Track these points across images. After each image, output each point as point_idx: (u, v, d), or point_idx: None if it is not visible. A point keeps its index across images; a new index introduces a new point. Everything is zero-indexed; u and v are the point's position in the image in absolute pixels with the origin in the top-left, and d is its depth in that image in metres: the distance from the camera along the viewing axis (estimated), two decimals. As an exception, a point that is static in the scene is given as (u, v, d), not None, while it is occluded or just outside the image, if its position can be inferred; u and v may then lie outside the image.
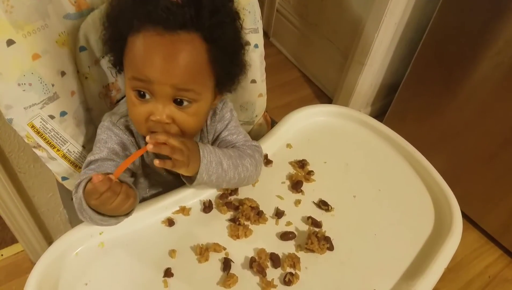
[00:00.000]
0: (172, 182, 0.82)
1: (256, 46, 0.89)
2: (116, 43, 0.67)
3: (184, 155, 0.63)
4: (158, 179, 0.83)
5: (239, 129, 0.83)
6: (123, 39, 0.65)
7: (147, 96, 0.65)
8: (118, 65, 0.71)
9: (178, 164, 0.63)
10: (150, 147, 0.60)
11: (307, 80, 2.32)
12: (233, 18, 0.67)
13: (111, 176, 0.58)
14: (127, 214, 0.66)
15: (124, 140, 0.75)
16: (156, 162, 0.61)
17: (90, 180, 0.59)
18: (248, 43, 0.74)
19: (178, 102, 0.65)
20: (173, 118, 0.66)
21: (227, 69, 0.68)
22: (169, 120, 0.66)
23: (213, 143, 0.82)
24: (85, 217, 0.66)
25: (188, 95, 0.65)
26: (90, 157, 0.72)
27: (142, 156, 0.77)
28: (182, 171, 0.66)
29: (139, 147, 0.76)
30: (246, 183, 0.80)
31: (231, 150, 0.76)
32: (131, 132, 0.76)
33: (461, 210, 0.80)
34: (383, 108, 1.98)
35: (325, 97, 2.23)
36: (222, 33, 0.64)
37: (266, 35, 2.50)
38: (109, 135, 0.74)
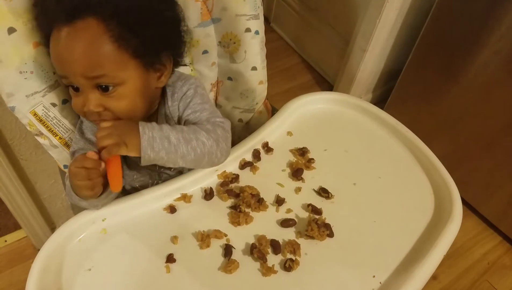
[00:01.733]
0: (151, 167, 0.83)
1: (256, 32, 0.88)
2: (47, 44, 0.66)
3: (112, 137, 0.61)
4: (138, 167, 0.83)
5: (205, 106, 0.77)
6: (48, 38, 0.65)
7: (80, 89, 0.65)
8: None
9: (111, 148, 0.61)
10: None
11: (308, 66, 2.31)
12: None
13: (103, 163, 0.61)
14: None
15: (95, 130, 0.76)
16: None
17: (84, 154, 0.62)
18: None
19: (104, 89, 0.64)
20: (103, 106, 0.66)
21: (142, 41, 0.65)
22: (99, 108, 0.65)
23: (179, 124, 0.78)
24: (74, 200, 0.69)
25: (104, 80, 0.64)
26: (71, 148, 0.76)
27: None
28: (124, 152, 0.63)
29: None
30: (208, 161, 0.71)
31: (185, 126, 0.71)
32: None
33: (460, 196, 0.81)
34: (384, 95, 1.97)
35: (326, 84, 2.22)
36: (116, 8, 0.62)
37: (266, 20, 2.47)
38: (86, 125, 0.76)
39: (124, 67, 0.65)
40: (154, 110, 0.78)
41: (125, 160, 0.81)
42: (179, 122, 0.79)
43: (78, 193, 0.66)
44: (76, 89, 0.66)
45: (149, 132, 0.64)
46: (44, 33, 0.66)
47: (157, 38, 0.67)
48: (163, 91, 0.78)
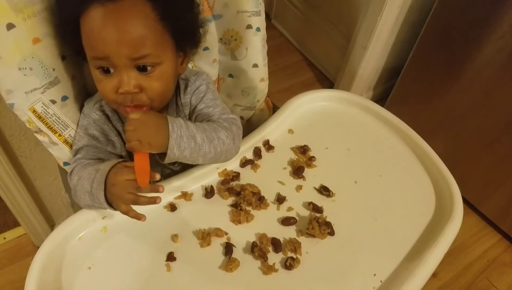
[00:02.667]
0: (157, 161, 0.82)
1: (258, 29, 0.88)
2: (71, 28, 0.65)
3: (137, 134, 0.61)
4: None
5: (217, 102, 0.79)
6: (76, 22, 0.64)
7: (111, 71, 0.65)
8: (81, 51, 0.68)
9: (134, 145, 0.61)
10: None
11: (309, 64, 2.30)
12: None
13: (160, 188, 0.62)
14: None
15: (101, 124, 0.76)
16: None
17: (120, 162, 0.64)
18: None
19: (141, 69, 0.65)
20: (140, 86, 0.66)
21: (180, 23, 0.67)
22: (136, 89, 0.65)
23: (189, 117, 0.80)
24: (79, 198, 0.69)
25: (147, 60, 0.64)
26: (74, 146, 0.75)
27: (122, 139, 0.78)
28: (147, 150, 0.62)
29: (116, 130, 0.77)
30: (224, 158, 0.74)
31: (205, 123, 0.73)
32: (107, 116, 0.77)
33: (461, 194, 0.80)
34: (385, 92, 1.97)
35: (327, 81, 2.22)
36: None
37: (268, 17, 2.47)
38: (89, 121, 0.76)
39: (165, 48, 0.67)
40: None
41: (130, 155, 0.80)
42: (190, 114, 0.80)
43: (115, 203, 0.64)
44: (107, 71, 0.65)
45: (177, 130, 0.64)
46: (67, 16, 0.64)
47: (190, 23, 0.70)
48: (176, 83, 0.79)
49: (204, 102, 0.78)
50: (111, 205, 0.65)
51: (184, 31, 0.69)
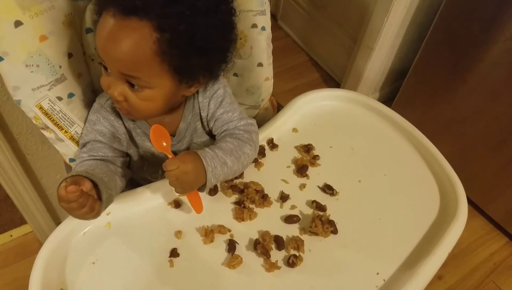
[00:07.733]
0: (166, 158, 0.83)
1: (263, 28, 0.88)
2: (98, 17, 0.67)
3: (179, 185, 0.68)
4: (151, 158, 0.84)
5: (234, 105, 0.82)
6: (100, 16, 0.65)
7: (109, 70, 0.66)
8: None
9: (178, 193, 0.74)
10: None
11: (315, 64, 2.30)
12: (203, 12, 0.61)
13: (83, 187, 0.59)
14: None
15: (111, 121, 0.77)
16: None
17: (65, 179, 0.60)
18: (231, 47, 0.70)
19: (132, 84, 0.65)
20: (125, 97, 0.66)
21: (183, 62, 0.63)
22: (120, 97, 0.66)
23: (208, 122, 0.82)
24: None
25: (135, 81, 0.64)
26: (81, 140, 0.76)
27: (132, 137, 0.79)
28: (190, 192, 0.72)
29: (125, 128, 0.78)
30: (248, 165, 0.81)
31: (230, 142, 0.76)
32: (117, 114, 0.77)
33: (467, 196, 0.80)
34: (392, 93, 1.96)
35: (332, 82, 2.21)
36: (176, 25, 0.59)
37: (274, 18, 2.47)
38: (98, 117, 0.76)
39: (159, 77, 0.64)
40: (180, 103, 0.79)
41: (138, 153, 0.82)
42: (207, 118, 0.82)
43: (82, 219, 0.64)
44: (107, 69, 0.66)
45: (211, 163, 0.70)
46: (98, 5, 0.66)
47: (202, 65, 0.67)
48: None
49: (223, 106, 0.80)
50: None
51: (191, 72, 0.67)
